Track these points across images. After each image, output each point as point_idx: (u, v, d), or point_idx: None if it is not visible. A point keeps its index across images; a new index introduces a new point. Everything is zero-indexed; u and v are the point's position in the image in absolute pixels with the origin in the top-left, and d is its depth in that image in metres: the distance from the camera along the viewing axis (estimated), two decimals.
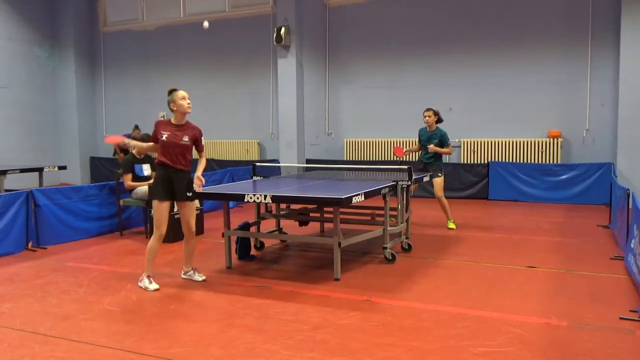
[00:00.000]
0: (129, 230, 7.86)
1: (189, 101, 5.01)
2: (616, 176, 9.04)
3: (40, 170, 10.47)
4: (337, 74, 12.42)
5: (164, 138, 4.94)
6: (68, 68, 14.66)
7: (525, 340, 3.68)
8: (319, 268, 5.69)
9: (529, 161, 10.62)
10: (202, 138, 5.15)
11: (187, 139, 4.98)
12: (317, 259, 6.11)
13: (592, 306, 4.35)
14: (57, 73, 14.73)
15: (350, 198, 4.87)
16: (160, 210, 4.99)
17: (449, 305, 4.40)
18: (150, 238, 5.08)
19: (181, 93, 4.98)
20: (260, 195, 5.09)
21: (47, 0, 14.47)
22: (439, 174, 7.62)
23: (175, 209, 6.02)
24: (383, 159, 11.75)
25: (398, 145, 10.67)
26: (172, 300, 4.68)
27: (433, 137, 7.62)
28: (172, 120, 5.05)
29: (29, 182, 10.61)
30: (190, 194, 5.04)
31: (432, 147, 7.53)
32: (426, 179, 7.19)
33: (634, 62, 9.48)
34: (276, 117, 12.79)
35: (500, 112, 10.98)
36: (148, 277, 5.02)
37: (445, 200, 7.74)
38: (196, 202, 5.37)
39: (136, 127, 11.35)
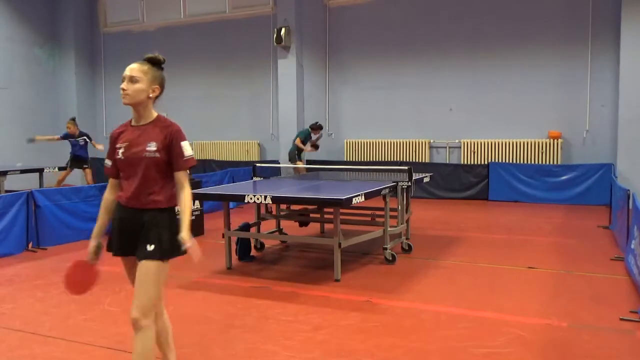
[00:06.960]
0: None
1: (124, 86, 2.82)
2: (616, 177, 9.04)
3: (40, 171, 10.47)
4: (337, 74, 12.42)
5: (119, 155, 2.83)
6: (68, 69, 14.66)
7: (526, 341, 3.68)
8: (319, 269, 5.69)
9: (529, 162, 10.61)
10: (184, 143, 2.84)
11: (153, 147, 2.78)
12: (317, 260, 6.11)
13: (592, 307, 4.34)
14: (57, 74, 14.73)
15: (351, 199, 4.88)
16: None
17: (449, 306, 4.40)
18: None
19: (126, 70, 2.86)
20: (261, 196, 5.10)
21: (47, 1, 14.47)
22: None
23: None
24: (383, 160, 11.75)
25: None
26: (172, 300, 4.67)
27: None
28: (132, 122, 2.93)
29: (29, 182, 10.60)
30: (152, 247, 2.73)
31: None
32: (426, 179, 7.19)
33: (634, 62, 9.48)
34: (276, 118, 12.79)
35: (500, 113, 10.97)
36: None
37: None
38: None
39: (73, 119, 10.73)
